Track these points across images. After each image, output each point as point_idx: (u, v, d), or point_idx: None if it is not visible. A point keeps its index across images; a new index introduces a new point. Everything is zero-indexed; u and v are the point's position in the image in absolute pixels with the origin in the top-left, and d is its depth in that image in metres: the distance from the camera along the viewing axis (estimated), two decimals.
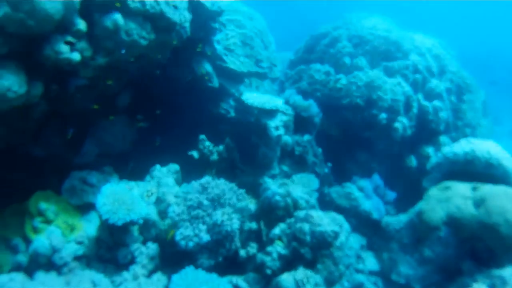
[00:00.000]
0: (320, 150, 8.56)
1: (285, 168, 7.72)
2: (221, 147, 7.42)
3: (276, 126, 7.39)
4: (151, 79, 7.82)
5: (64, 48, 5.72)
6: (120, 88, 7.19)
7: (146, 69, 7.23)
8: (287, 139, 7.70)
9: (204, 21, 7.68)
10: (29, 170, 7.06)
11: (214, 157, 7.34)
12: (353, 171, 9.59)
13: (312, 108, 8.19)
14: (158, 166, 7.17)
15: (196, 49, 7.96)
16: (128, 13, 6.11)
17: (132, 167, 7.65)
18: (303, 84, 9.71)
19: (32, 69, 5.80)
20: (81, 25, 5.91)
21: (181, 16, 6.68)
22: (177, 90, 8.08)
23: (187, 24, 6.92)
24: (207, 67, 7.98)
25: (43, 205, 6.23)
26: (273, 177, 7.47)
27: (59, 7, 5.40)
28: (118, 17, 6.00)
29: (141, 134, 7.93)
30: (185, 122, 8.05)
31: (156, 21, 6.38)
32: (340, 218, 6.58)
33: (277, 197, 6.60)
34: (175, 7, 6.49)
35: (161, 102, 7.96)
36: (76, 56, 5.89)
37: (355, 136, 9.68)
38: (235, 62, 8.40)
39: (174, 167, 7.29)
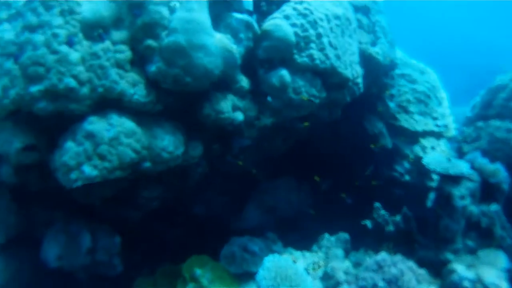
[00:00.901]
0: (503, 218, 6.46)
1: (469, 242, 5.76)
2: (398, 217, 5.70)
3: (462, 195, 5.56)
4: (319, 138, 6.39)
5: (225, 107, 4.55)
6: (286, 149, 5.84)
7: (315, 128, 5.83)
8: (473, 209, 5.76)
9: (376, 76, 6.11)
10: (187, 228, 6.06)
11: (390, 228, 5.64)
12: None
13: (500, 173, 6.17)
14: (327, 235, 5.67)
15: (368, 106, 6.43)
16: (295, 69, 4.78)
17: (298, 234, 6.20)
18: (482, 143, 7.62)
19: (191, 128, 4.72)
20: (244, 82, 4.74)
21: (353, 71, 5.22)
22: (347, 150, 6.54)
23: (359, 80, 5.43)
24: (380, 126, 6.37)
25: (198, 271, 5.14)
26: (455, 252, 5.62)
27: (218, 62, 4.25)
28: (284, 73, 4.73)
29: (308, 198, 6.50)
30: (355, 185, 6.48)
31: (327, 77, 4.95)
32: None
33: (466, 283, 4.91)
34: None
35: (330, 163, 6.48)
36: (239, 116, 4.73)
37: None
38: (409, 120, 6.71)
39: (344, 236, 5.73)
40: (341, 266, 5.23)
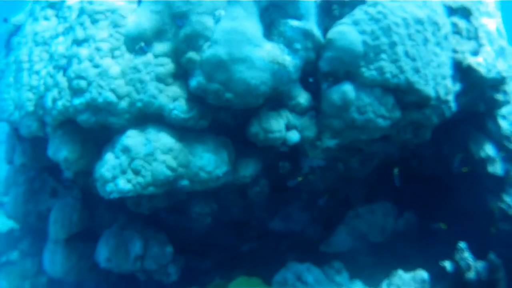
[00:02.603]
0: None
1: None
2: (481, 264, 4.37)
3: None
4: (418, 159, 5.22)
5: (276, 126, 3.83)
6: (368, 171, 4.85)
7: (404, 150, 4.79)
8: None
9: (482, 91, 4.75)
10: (263, 242, 5.49)
11: (471, 275, 4.35)
12: None
13: None
14: (400, 271, 4.55)
15: (475, 125, 5.08)
16: (362, 83, 3.84)
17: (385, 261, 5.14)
18: None
19: (246, 146, 4.06)
20: (302, 98, 3.96)
21: (439, 87, 4.07)
22: (447, 173, 5.21)
23: (450, 97, 4.24)
24: (489, 148, 4.96)
25: None
26: None
27: (266, 76, 3.59)
28: (348, 89, 3.85)
29: (402, 226, 5.40)
30: (451, 215, 5.19)
31: (402, 94, 3.91)
32: None
33: None
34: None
35: (427, 186, 5.28)
36: (293, 136, 4.00)
37: None
38: None
39: (421, 275, 4.53)
40: None
